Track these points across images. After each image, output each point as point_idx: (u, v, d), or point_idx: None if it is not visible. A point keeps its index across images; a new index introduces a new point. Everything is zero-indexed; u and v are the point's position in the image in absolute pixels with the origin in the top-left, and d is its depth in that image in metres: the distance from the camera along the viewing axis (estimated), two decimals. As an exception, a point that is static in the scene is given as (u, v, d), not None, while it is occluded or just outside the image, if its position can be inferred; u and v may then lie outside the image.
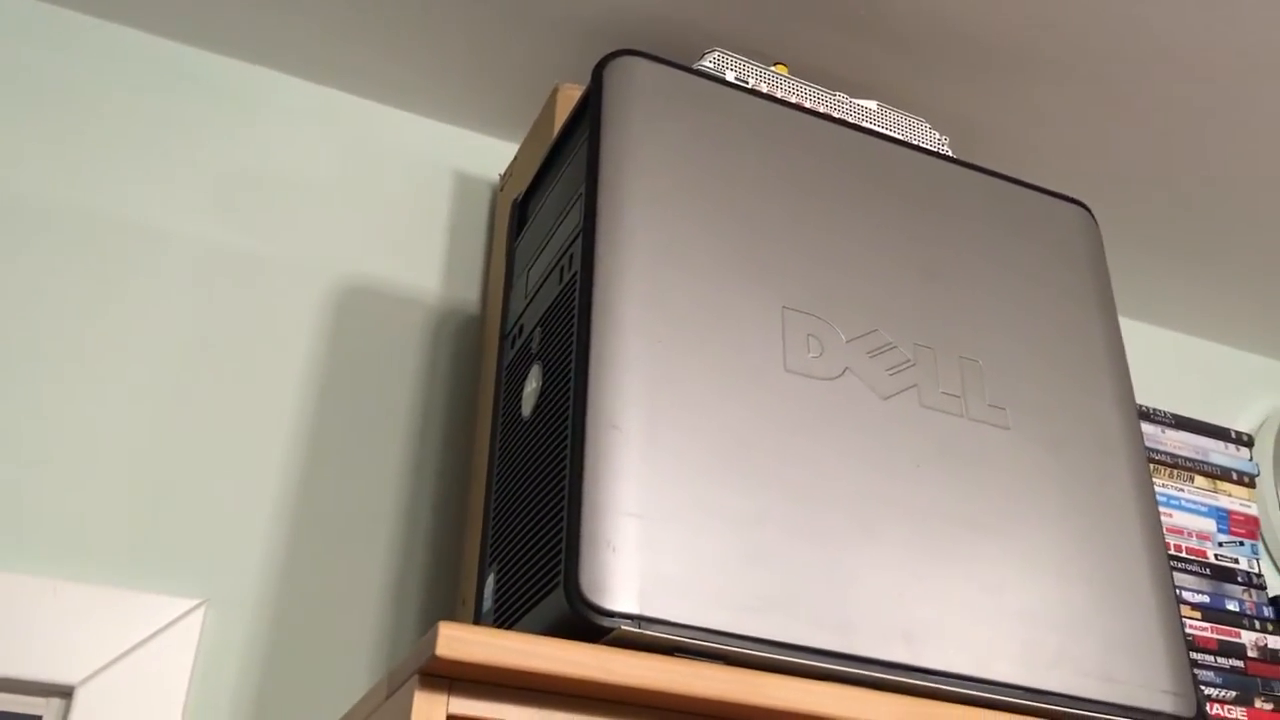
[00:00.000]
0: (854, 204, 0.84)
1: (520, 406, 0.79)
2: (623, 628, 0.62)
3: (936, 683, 0.68)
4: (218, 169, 1.06)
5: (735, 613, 0.65)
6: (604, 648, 0.62)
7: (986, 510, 0.76)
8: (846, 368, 0.76)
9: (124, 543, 0.90)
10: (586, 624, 0.62)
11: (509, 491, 0.76)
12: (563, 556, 0.64)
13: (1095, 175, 1.18)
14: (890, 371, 0.78)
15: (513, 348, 0.84)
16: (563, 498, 0.67)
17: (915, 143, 0.95)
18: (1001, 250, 0.88)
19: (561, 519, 0.66)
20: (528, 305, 0.83)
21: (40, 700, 0.84)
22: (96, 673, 0.83)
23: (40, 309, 0.94)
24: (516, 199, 0.93)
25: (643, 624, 0.62)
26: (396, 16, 1.05)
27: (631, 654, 0.62)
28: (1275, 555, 1.35)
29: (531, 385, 0.78)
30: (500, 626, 0.72)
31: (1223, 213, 1.22)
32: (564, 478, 0.67)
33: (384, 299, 1.07)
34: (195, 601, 0.89)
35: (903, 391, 0.77)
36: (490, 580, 0.76)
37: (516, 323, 0.85)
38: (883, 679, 0.67)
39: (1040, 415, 0.82)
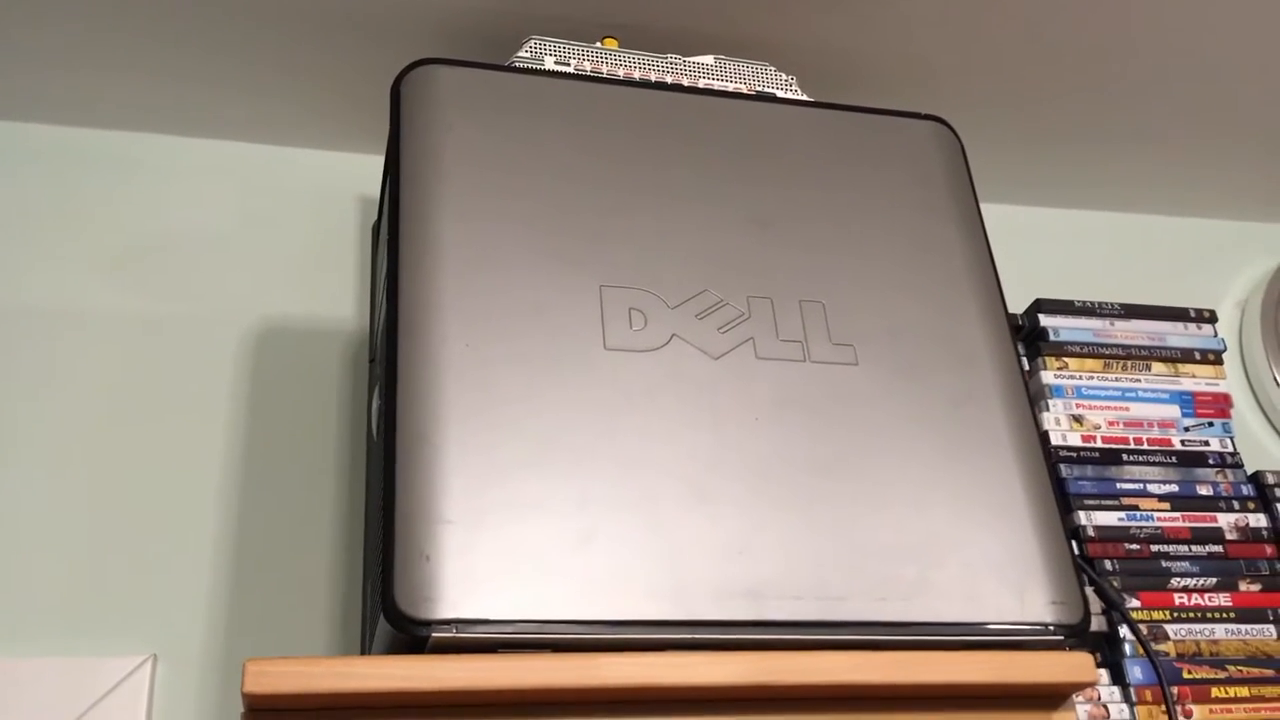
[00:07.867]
0: (677, 168, 0.83)
1: (372, 428, 0.81)
2: (435, 635, 0.63)
3: (783, 634, 0.68)
4: (115, 242, 1.10)
5: (561, 600, 0.66)
6: (425, 657, 0.63)
7: (833, 450, 0.75)
8: (673, 334, 0.76)
9: (66, 612, 0.94)
10: (408, 637, 0.63)
11: (369, 514, 0.78)
12: (382, 575, 0.66)
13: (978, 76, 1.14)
14: (722, 330, 0.77)
15: (371, 371, 0.86)
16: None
17: (757, 89, 0.94)
18: (845, 182, 0.87)
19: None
20: (378, 328, 0.85)
21: (6, 777, 0.89)
22: (51, 743, 0.88)
23: (-36, 410, 0.99)
24: (374, 224, 0.95)
25: (458, 627, 0.63)
26: (257, 56, 1.06)
27: (454, 658, 0.63)
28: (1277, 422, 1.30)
29: (375, 405, 0.79)
30: (366, 650, 0.74)
31: (1136, 81, 1.17)
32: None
33: (303, 335, 1.10)
34: (142, 657, 0.93)
35: (736, 348, 0.77)
36: (368, 604, 0.78)
37: (374, 346, 0.87)
38: (726, 639, 0.68)
39: (892, 344, 0.80)
